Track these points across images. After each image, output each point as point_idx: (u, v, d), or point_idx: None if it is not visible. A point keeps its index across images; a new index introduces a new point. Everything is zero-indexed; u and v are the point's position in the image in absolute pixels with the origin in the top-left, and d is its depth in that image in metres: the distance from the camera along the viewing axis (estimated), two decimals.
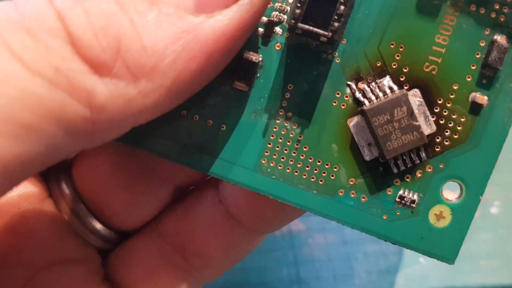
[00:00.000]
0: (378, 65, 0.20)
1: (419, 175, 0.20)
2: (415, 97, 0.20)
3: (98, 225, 0.25)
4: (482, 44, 0.19)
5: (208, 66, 0.16)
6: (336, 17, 0.17)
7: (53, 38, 0.15)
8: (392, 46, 0.20)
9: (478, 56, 0.19)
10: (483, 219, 0.35)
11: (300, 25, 0.18)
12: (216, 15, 0.16)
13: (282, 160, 0.21)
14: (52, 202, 0.25)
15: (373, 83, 0.20)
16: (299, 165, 0.21)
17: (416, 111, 0.19)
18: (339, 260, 0.34)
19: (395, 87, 0.20)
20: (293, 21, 0.18)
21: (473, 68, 0.20)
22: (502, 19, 0.19)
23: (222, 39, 0.16)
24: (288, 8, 0.20)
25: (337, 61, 0.20)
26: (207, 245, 0.25)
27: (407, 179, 0.20)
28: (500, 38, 0.19)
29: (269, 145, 0.21)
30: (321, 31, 0.18)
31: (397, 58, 0.20)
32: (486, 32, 0.19)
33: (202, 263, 0.25)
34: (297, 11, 0.17)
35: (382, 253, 0.35)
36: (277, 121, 0.20)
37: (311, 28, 0.18)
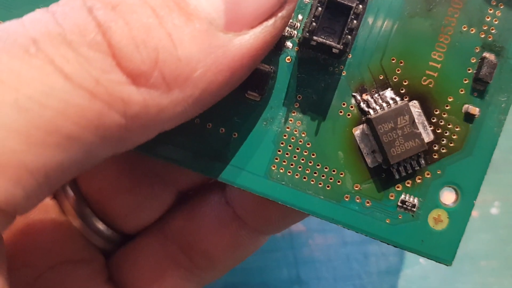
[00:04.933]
0: (381, 78, 0.21)
1: (419, 180, 0.22)
2: (414, 108, 0.21)
3: (102, 226, 0.25)
4: (473, 61, 0.21)
5: (232, 79, 0.18)
6: (347, 31, 0.19)
7: (94, 51, 0.15)
8: (393, 61, 0.21)
9: (469, 71, 0.21)
10: (483, 220, 0.36)
11: (315, 37, 0.19)
12: (243, 34, 0.17)
13: (291, 166, 0.22)
14: (56, 204, 0.25)
15: (376, 95, 0.21)
16: (307, 172, 0.22)
17: (416, 121, 0.21)
18: (339, 261, 0.35)
19: (397, 98, 0.21)
20: (307, 34, 0.19)
21: (465, 82, 0.21)
22: (490, 39, 0.21)
23: (247, 56, 0.17)
24: (298, 24, 0.21)
25: (343, 74, 0.21)
26: (214, 245, 0.25)
27: (408, 185, 0.22)
28: (489, 55, 0.21)
29: (279, 152, 0.22)
30: (334, 44, 0.19)
31: (398, 72, 0.21)
32: (476, 50, 0.21)
33: (208, 263, 0.26)
34: (313, 24, 0.19)
35: (382, 254, 0.36)
36: (287, 129, 0.22)
37: (325, 40, 0.19)
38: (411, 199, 0.22)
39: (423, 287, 0.36)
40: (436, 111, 0.22)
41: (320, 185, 0.22)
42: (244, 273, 0.33)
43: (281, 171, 0.22)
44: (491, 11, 0.21)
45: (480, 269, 0.36)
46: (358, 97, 0.21)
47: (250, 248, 0.26)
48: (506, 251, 0.37)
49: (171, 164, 0.22)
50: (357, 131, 0.22)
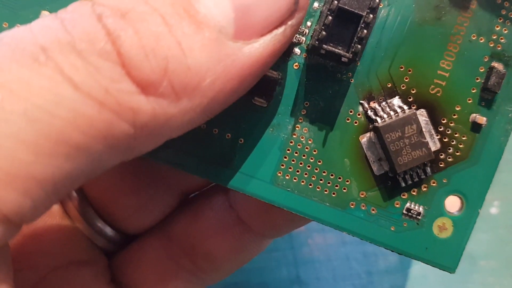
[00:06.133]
0: (389, 86, 0.21)
1: (425, 189, 0.22)
2: (421, 117, 0.21)
3: (105, 227, 0.26)
4: (481, 70, 0.21)
5: (241, 87, 0.17)
6: (357, 40, 0.19)
7: (103, 60, 0.15)
8: (401, 69, 0.21)
9: (477, 80, 0.21)
10: (482, 219, 0.36)
11: (325, 46, 0.19)
12: (252, 43, 0.17)
13: (297, 173, 0.22)
14: (60, 205, 0.25)
15: (384, 103, 0.21)
16: (313, 178, 0.22)
17: (423, 130, 0.21)
18: (339, 261, 0.35)
19: (404, 107, 0.21)
20: (317, 42, 0.19)
21: (473, 91, 0.21)
22: (499, 48, 0.21)
23: (256, 64, 0.17)
24: (307, 30, 0.21)
25: (351, 81, 0.21)
26: (217, 248, 0.25)
27: (414, 193, 0.22)
28: (497, 65, 0.21)
29: (285, 159, 0.22)
30: (343, 52, 0.19)
31: (406, 80, 0.21)
32: (485, 59, 0.21)
33: (210, 266, 0.26)
34: (323, 33, 0.19)
35: (381, 254, 0.36)
36: (293, 136, 0.22)
37: (334, 49, 0.19)
38: (416, 207, 0.22)
39: (422, 287, 0.36)
40: (443, 120, 0.22)
41: (325, 192, 0.22)
42: (244, 273, 0.34)
43: (287, 177, 0.22)
44: (500, 20, 0.21)
45: (479, 269, 0.37)
46: (366, 105, 0.21)
47: (253, 251, 0.26)
48: (506, 251, 0.37)
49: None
50: (363, 139, 0.21)
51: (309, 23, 0.21)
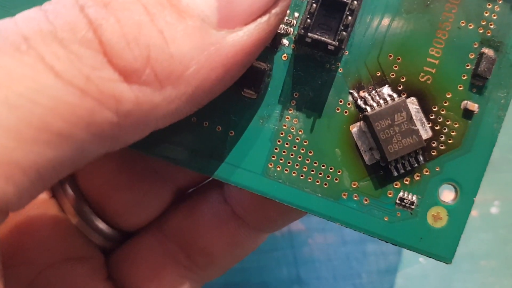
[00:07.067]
0: (378, 75, 0.21)
1: (417, 178, 0.22)
2: (412, 105, 0.21)
3: (101, 224, 0.26)
4: (471, 56, 0.21)
5: (226, 77, 0.18)
6: (342, 27, 0.19)
7: (85, 48, 0.15)
8: (390, 58, 0.21)
9: (468, 67, 0.21)
10: (483, 219, 0.35)
11: (310, 34, 0.19)
12: (236, 31, 0.17)
13: (289, 164, 0.22)
14: (55, 202, 0.25)
15: (373, 91, 0.21)
16: (304, 169, 0.22)
17: (413, 118, 0.21)
18: (339, 260, 0.35)
19: (394, 95, 0.21)
20: (303, 30, 0.19)
21: (464, 78, 0.21)
22: (488, 34, 0.21)
23: (240, 53, 0.17)
24: (294, 21, 0.21)
25: (340, 71, 0.21)
26: (212, 243, 0.25)
27: (406, 182, 0.22)
28: (487, 51, 0.21)
29: (276, 150, 0.22)
30: (329, 40, 0.19)
31: (395, 68, 0.21)
32: (475, 46, 0.21)
33: (206, 261, 0.26)
34: (308, 21, 0.19)
35: (381, 253, 0.35)
36: (284, 127, 0.22)
37: (320, 37, 0.19)
38: (410, 197, 0.22)
39: (423, 286, 0.36)
40: (434, 107, 0.21)
41: (317, 183, 0.22)
42: (244, 272, 0.33)
43: (278, 169, 0.22)
44: (489, 6, 0.21)
45: (480, 268, 0.36)
46: (355, 94, 0.21)
47: (249, 246, 0.26)
48: (506, 251, 0.37)
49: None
50: (354, 129, 0.21)
51: (296, 14, 0.21)
